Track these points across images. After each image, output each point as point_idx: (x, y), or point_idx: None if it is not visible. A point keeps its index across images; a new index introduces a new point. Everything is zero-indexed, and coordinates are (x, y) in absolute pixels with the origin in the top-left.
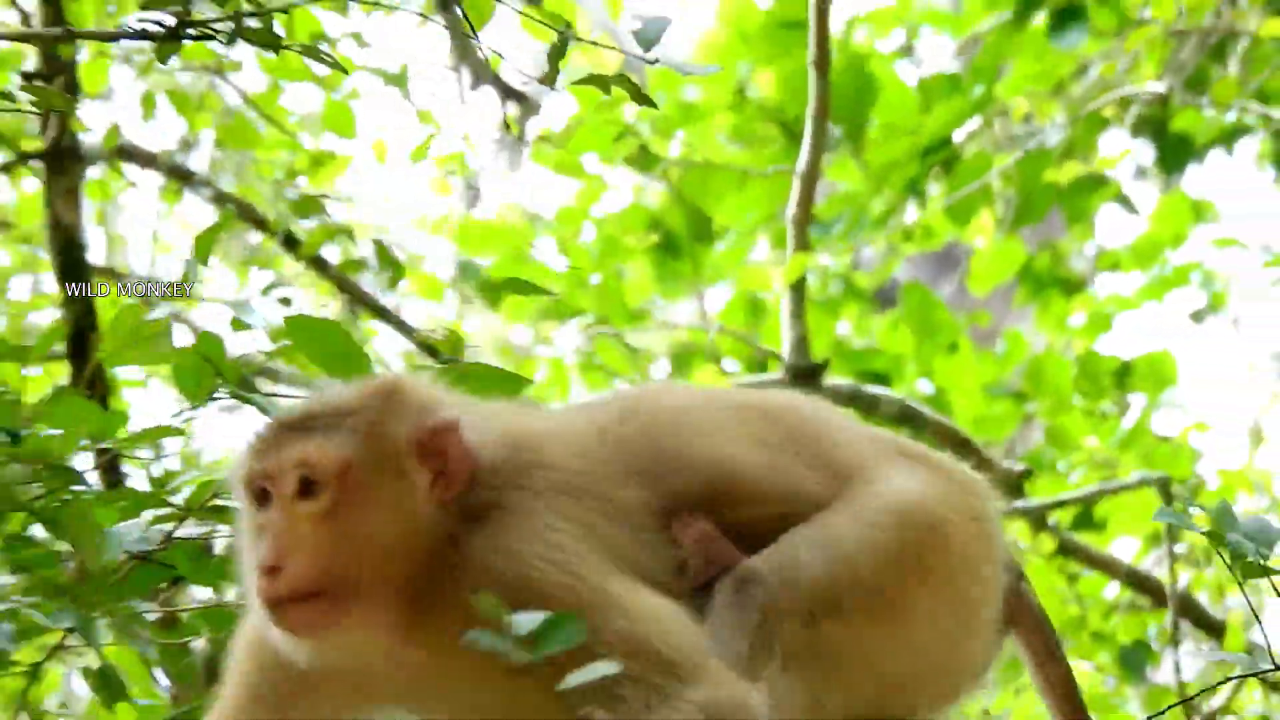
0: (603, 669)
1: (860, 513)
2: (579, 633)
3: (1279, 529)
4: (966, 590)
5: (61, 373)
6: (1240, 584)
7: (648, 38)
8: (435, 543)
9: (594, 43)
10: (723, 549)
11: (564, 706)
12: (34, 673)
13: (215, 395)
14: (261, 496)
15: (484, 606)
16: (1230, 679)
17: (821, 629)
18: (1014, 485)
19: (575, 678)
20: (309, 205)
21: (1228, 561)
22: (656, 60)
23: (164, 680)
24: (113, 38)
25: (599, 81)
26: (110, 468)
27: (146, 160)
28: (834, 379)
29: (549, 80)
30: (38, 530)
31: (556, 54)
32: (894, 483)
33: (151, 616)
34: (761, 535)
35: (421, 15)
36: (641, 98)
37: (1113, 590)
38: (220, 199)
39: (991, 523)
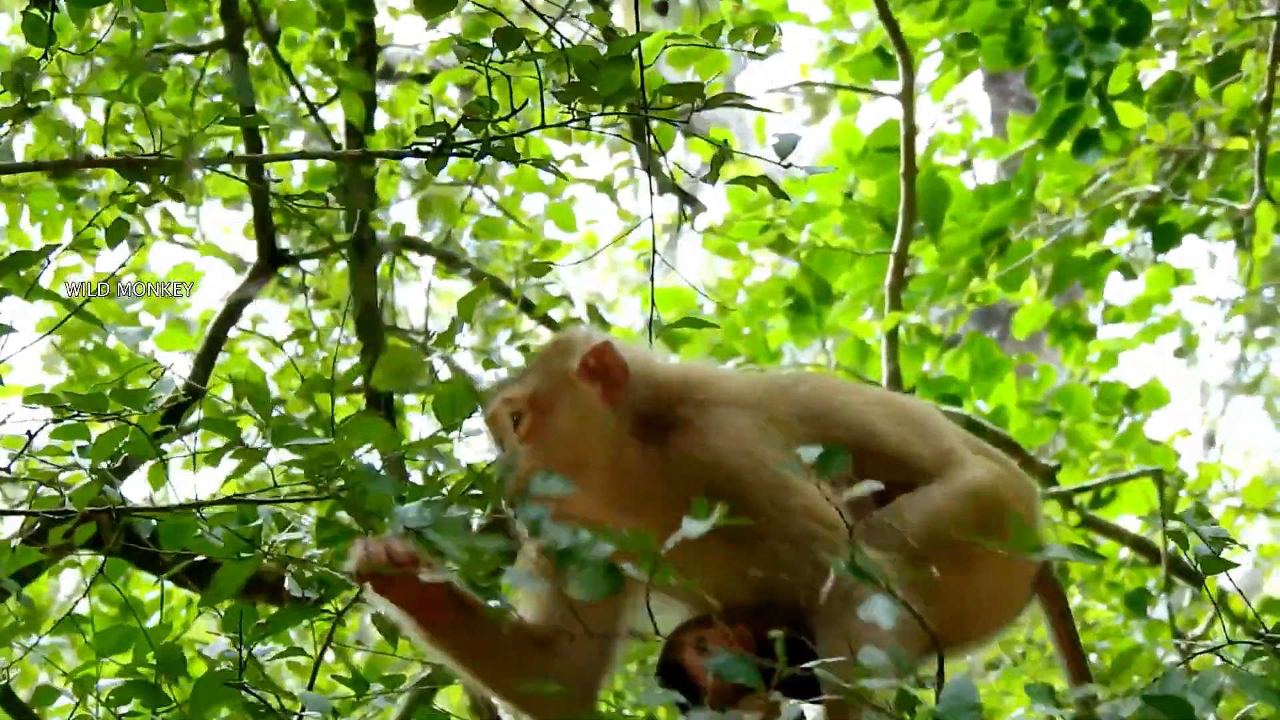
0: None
1: (949, 490)
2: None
3: (1225, 534)
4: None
5: (360, 402)
6: (1200, 574)
7: (783, 149)
8: (627, 444)
9: (744, 153)
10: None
11: (763, 557)
12: (338, 618)
13: (469, 416)
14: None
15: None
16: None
17: (920, 568)
18: (1049, 476)
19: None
20: (539, 268)
21: (1193, 560)
22: (790, 165)
23: None
24: (397, 156)
25: (748, 181)
26: (396, 468)
27: (423, 249)
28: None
29: (711, 179)
30: (341, 514)
31: (718, 161)
32: (974, 471)
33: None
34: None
35: (622, 137)
36: (777, 192)
37: (1122, 552)
38: (476, 275)
39: (1034, 504)
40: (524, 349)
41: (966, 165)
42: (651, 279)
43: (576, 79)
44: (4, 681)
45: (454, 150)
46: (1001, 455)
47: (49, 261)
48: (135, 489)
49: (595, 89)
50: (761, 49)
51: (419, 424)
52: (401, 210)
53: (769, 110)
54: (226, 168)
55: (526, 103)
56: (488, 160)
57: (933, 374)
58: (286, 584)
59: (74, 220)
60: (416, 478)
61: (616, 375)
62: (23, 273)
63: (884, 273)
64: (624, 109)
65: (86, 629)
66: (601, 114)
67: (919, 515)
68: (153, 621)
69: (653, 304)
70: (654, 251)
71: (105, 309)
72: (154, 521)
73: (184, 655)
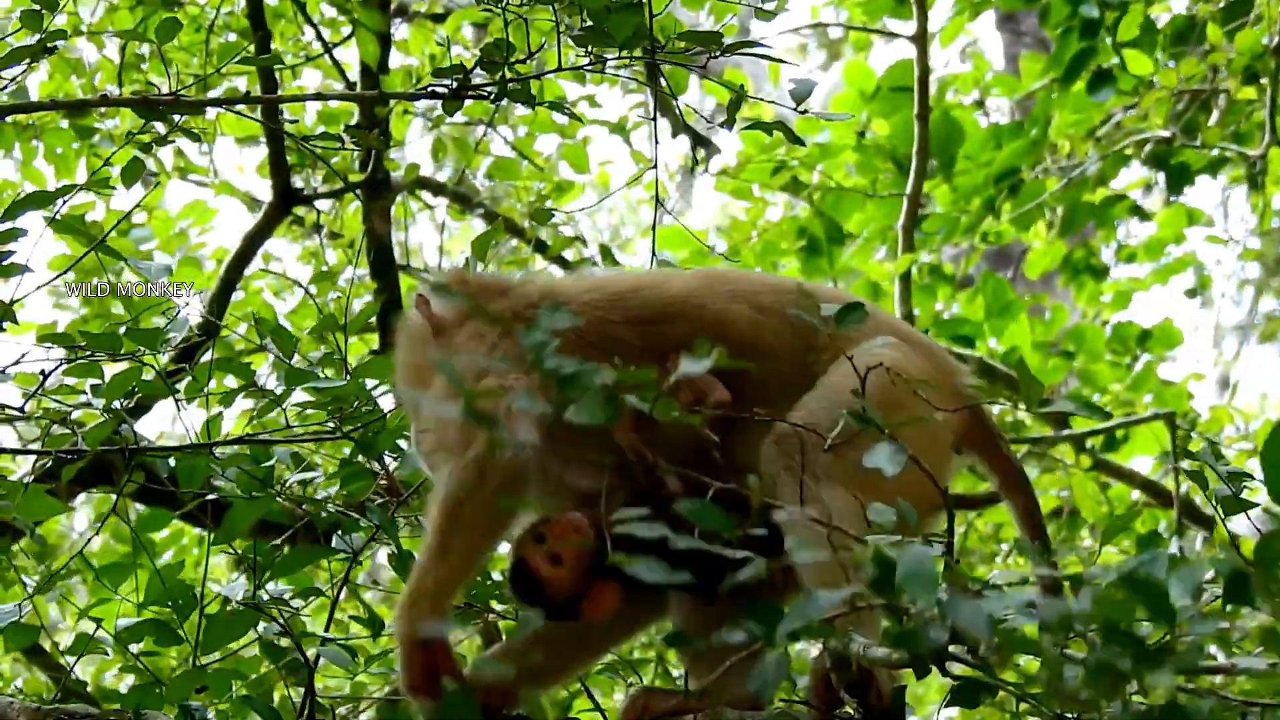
0: None
1: (845, 370)
2: None
3: (1242, 471)
4: (927, 422)
5: (374, 340)
6: (1221, 517)
7: (799, 95)
8: None
9: (759, 99)
10: (706, 380)
11: None
12: (354, 558)
13: None
14: None
15: None
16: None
17: (840, 453)
18: (1061, 419)
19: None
20: (544, 214)
21: (1213, 501)
22: (805, 111)
23: None
24: (413, 97)
25: (763, 126)
26: None
27: (437, 189)
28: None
29: (728, 124)
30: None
31: (734, 106)
32: (872, 349)
33: None
34: (740, 377)
35: (636, 80)
36: (792, 137)
37: (1134, 495)
38: (490, 216)
39: (950, 379)
40: None
41: (979, 104)
42: (654, 226)
43: (591, 23)
44: (17, 620)
45: (470, 92)
46: (922, 338)
47: (64, 201)
48: (150, 428)
49: (610, 33)
50: (769, 5)
51: None
52: (415, 150)
53: (785, 61)
54: (241, 107)
55: (543, 45)
56: (503, 101)
57: (945, 314)
58: (324, 530)
59: (88, 159)
60: None
61: (433, 320)
62: (40, 212)
63: (897, 213)
64: (638, 53)
65: (122, 576)
66: (617, 58)
67: (823, 405)
68: (165, 560)
69: (653, 251)
70: (657, 201)
71: (120, 247)
72: (172, 461)
73: (194, 593)
